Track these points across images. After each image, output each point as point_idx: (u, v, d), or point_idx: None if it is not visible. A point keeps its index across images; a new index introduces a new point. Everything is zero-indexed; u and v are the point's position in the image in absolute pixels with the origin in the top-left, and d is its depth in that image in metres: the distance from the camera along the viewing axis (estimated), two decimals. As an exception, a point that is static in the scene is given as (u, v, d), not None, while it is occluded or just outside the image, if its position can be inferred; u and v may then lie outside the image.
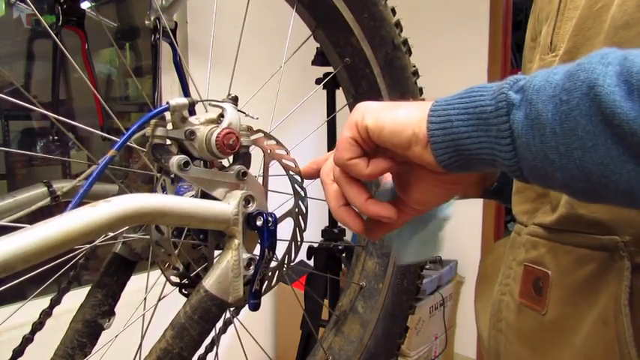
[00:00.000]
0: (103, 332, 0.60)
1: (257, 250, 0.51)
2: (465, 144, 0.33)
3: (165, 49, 1.56)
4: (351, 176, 0.41)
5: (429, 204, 0.42)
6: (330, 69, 0.98)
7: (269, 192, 0.56)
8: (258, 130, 0.56)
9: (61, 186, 0.69)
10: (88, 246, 0.64)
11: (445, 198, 0.42)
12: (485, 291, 0.60)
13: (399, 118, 0.36)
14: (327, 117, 1.35)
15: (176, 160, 0.46)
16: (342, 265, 1.33)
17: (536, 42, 0.54)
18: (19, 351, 0.66)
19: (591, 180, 0.29)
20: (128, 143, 0.46)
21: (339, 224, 1.38)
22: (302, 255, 1.07)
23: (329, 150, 1.38)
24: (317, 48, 1.25)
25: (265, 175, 0.56)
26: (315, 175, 0.51)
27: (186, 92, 1.45)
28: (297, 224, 0.56)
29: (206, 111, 0.53)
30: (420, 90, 0.86)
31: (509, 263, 0.53)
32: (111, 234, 0.58)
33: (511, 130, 0.31)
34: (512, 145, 0.31)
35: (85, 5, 1.38)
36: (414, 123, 0.36)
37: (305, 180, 0.55)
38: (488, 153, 0.33)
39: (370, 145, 0.39)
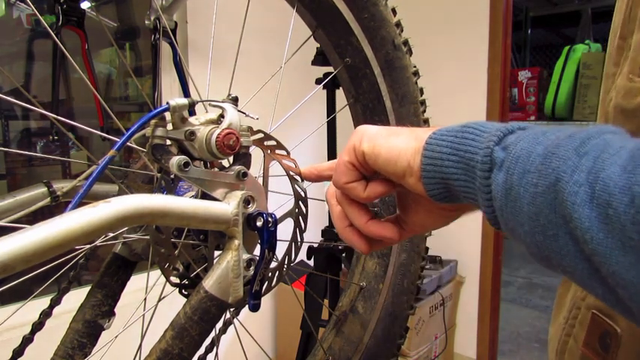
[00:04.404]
0: (103, 332, 0.60)
1: (257, 251, 0.51)
2: (453, 184, 0.33)
3: (165, 49, 1.56)
4: (352, 198, 0.41)
5: (428, 227, 0.42)
6: (330, 69, 0.98)
7: (269, 192, 0.56)
8: (259, 131, 0.56)
9: (61, 186, 0.69)
10: (88, 246, 0.64)
11: (445, 222, 0.42)
12: (557, 316, 0.55)
13: (395, 148, 0.36)
14: (327, 117, 1.35)
15: (176, 160, 0.46)
16: (342, 265, 1.33)
17: (626, 44, 0.45)
18: (19, 351, 0.66)
19: (552, 264, 0.28)
20: (128, 143, 0.46)
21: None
22: (302, 255, 1.07)
23: (329, 151, 1.37)
24: (317, 48, 1.25)
25: (265, 176, 0.56)
26: (314, 178, 0.51)
27: (186, 92, 1.45)
28: (297, 225, 0.56)
29: (206, 111, 0.53)
30: (421, 90, 0.86)
31: (578, 302, 0.49)
32: (111, 234, 0.58)
33: (491, 188, 0.31)
34: (491, 202, 0.31)
35: (85, 5, 1.38)
36: (409, 154, 0.35)
37: (305, 181, 0.55)
38: (473, 198, 0.33)
39: (368, 170, 0.39)
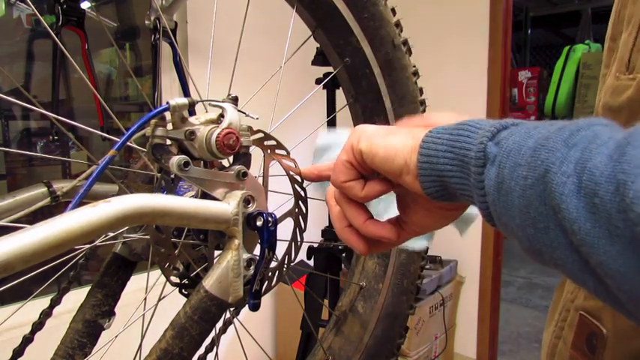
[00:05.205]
0: (103, 332, 0.60)
1: (257, 251, 0.51)
2: (449, 181, 0.33)
3: (165, 49, 1.56)
4: (350, 198, 0.41)
5: (428, 227, 0.42)
6: (330, 69, 0.98)
7: (269, 192, 0.56)
8: (258, 131, 0.56)
9: (61, 186, 0.69)
10: (88, 246, 0.64)
11: (444, 222, 0.41)
12: (550, 322, 0.55)
13: (392, 146, 0.36)
14: (327, 117, 1.35)
15: (176, 160, 0.46)
16: (342, 265, 1.33)
17: (616, 45, 0.47)
18: (19, 351, 0.66)
19: (543, 258, 0.28)
20: (128, 143, 0.46)
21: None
22: (302, 255, 1.07)
23: (329, 150, 1.37)
24: (317, 48, 1.25)
25: (265, 176, 0.56)
26: (314, 178, 0.51)
27: (186, 92, 1.45)
28: (297, 224, 0.56)
29: (206, 111, 0.53)
30: (420, 90, 0.86)
31: (567, 304, 0.50)
32: (111, 234, 0.58)
33: (484, 183, 0.31)
34: (485, 197, 0.31)
35: (85, 5, 1.38)
36: (405, 152, 0.36)
37: (305, 181, 0.55)
38: (469, 195, 0.33)
39: (366, 169, 0.39)
